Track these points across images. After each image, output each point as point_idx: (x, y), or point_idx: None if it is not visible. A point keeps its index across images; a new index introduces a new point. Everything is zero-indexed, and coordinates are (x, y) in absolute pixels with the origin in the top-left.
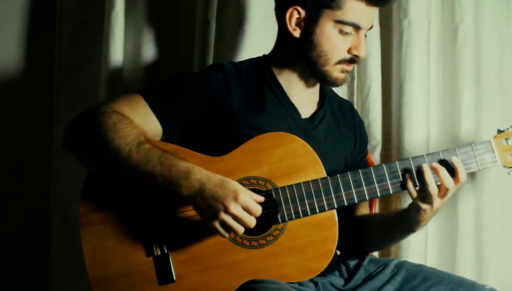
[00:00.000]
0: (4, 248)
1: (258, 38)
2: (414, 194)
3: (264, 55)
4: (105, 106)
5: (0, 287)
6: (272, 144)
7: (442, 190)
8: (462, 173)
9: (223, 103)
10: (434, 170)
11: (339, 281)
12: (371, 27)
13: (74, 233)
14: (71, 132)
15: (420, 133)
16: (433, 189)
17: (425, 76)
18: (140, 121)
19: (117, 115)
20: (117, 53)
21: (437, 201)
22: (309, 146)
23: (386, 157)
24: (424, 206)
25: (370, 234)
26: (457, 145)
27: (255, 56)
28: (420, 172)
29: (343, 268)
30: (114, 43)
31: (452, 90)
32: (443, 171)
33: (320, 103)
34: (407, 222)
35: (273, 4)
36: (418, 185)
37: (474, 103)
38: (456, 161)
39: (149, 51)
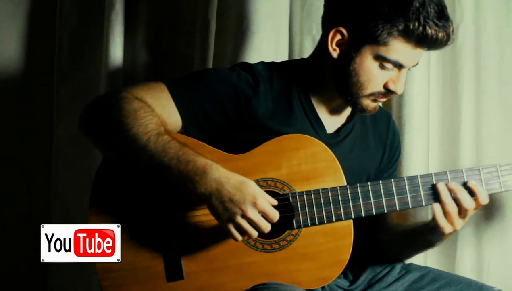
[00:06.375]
0: (4, 248)
1: (258, 38)
2: (443, 226)
3: (300, 60)
4: (126, 91)
5: (0, 287)
6: (293, 147)
7: (463, 211)
8: (482, 196)
9: (249, 106)
10: (452, 191)
11: (344, 283)
12: (417, 64)
13: None
14: (88, 115)
15: (420, 134)
16: (451, 208)
17: (425, 76)
18: (161, 111)
19: (139, 102)
20: (117, 53)
21: (457, 221)
22: (330, 150)
23: None
24: (444, 226)
25: (387, 244)
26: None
27: (255, 56)
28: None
29: (347, 270)
30: (114, 43)
31: (452, 90)
32: (462, 193)
33: (350, 117)
34: (427, 238)
35: (274, 4)
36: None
37: (474, 103)
38: (474, 185)
39: (149, 51)
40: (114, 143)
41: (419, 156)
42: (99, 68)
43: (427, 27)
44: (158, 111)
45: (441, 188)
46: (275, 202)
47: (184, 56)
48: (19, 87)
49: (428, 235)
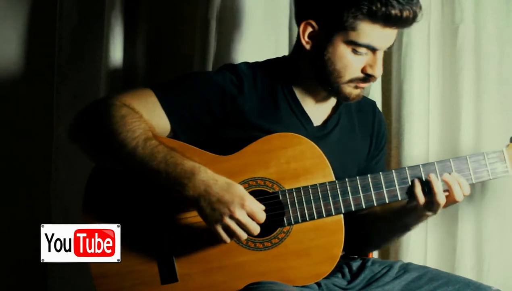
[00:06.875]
0: (4, 248)
1: (258, 38)
2: (422, 201)
3: (282, 57)
4: (114, 98)
5: (0, 287)
6: (281, 145)
7: (449, 201)
8: (465, 188)
9: (235, 105)
10: (445, 182)
11: (342, 282)
12: (392, 45)
13: None
14: (77, 123)
15: (420, 133)
16: (441, 198)
17: (425, 76)
18: (149, 116)
19: (126, 109)
20: (117, 53)
21: (440, 209)
22: (317, 147)
23: (386, 156)
24: (427, 212)
25: (369, 230)
26: (464, 151)
27: (255, 56)
28: (428, 181)
29: (346, 270)
30: (114, 43)
31: (452, 90)
32: (455, 185)
33: (336, 107)
34: (404, 221)
35: (273, 4)
36: (427, 193)
37: (474, 103)
38: (457, 176)
39: (149, 51)
40: (104, 150)
41: (419, 156)
42: (99, 68)
43: (389, 7)
44: (146, 117)
45: (434, 178)
46: (263, 207)
47: (184, 56)
48: (19, 87)
49: (404, 217)
